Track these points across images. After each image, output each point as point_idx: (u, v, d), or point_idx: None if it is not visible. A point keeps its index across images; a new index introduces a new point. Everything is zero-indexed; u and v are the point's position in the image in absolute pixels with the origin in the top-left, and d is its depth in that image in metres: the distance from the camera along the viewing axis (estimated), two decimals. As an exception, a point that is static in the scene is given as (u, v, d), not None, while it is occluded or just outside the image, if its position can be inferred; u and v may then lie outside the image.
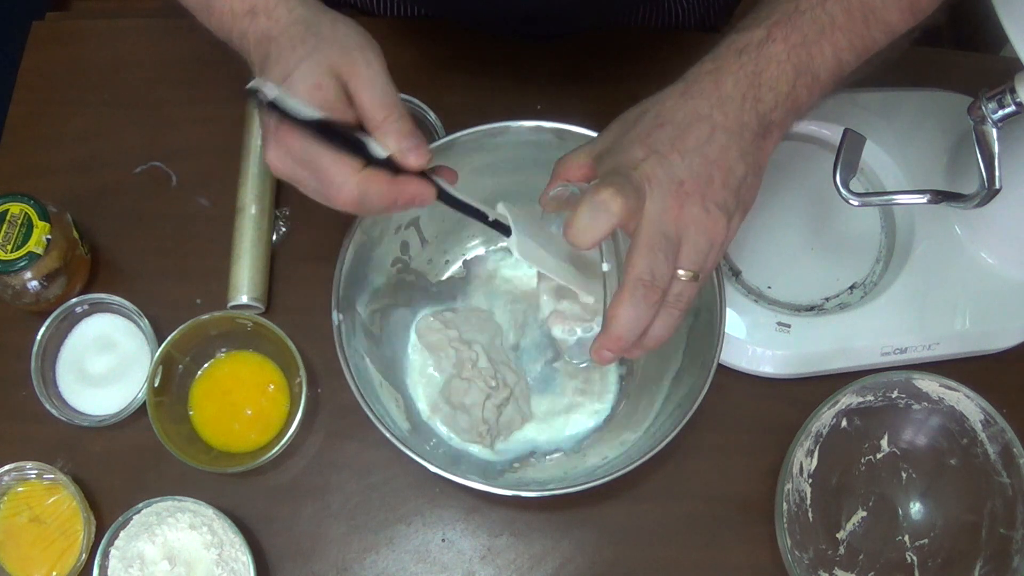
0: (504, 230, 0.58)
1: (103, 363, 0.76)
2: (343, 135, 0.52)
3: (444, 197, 0.57)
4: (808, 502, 0.73)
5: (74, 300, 0.75)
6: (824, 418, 0.72)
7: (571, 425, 0.74)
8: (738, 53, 0.55)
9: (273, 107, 0.50)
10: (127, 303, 0.75)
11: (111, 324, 0.77)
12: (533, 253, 0.59)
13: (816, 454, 0.73)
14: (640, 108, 0.57)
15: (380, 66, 0.55)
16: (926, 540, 0.73)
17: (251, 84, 0.50)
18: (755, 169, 0.56)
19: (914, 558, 0.73)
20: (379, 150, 0.53)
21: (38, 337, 0.74)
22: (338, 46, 0.54)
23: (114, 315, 0.77)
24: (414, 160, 0.54)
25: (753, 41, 0.55)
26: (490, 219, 0.58)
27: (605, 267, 0.57)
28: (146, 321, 0.75)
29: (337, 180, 0.52)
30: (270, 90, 0.50)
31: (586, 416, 0.74)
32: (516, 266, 0.77)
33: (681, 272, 0.54)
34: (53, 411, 0.72)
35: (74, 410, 0.75)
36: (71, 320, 0.76)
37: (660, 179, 0.53)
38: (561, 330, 0.62)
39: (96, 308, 0.76)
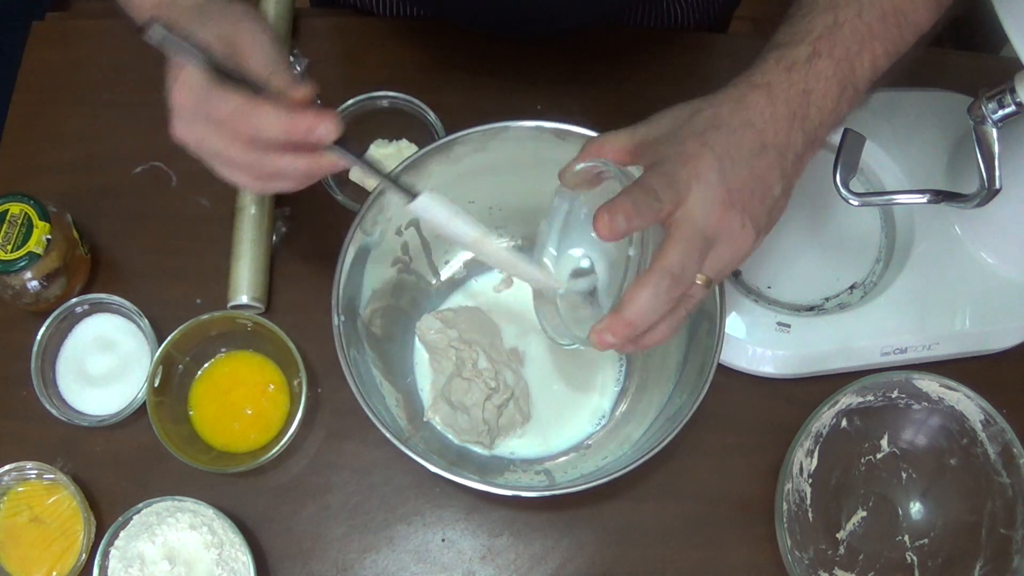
0: (408, 193, 0.57)
1: (103, 363, 0.76)
2: (238, 79, 0.53)
3: (342, 143, 0.55)
4: (808, 502, 0.73)
5: (74, 300, 0.75)
6: (824, 418, 0.72)
7: (571, 425, 0.74)
8: (787, 70, 0.55)
9: (178, 44, 0.51)
10: (127, 303, 0.75)
11: (111, 324, 0.77)
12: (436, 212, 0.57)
13: (816, 454, 0.73)
14: (693, 106, 0.56)
15: (269, 36, 0.57)
16: (926, 540, 0.73)
17: (152, 26, 0.51)
18: (787, 190, 0.56)
19: (914, 558, 0.73)
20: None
21: (38, 337, 0.74)
22: (229, 20, 0.56)
23: (114, 315, 0.77)
24: (301, 92, 0.55)
25: (800, 58, 0.55)
26: (392, 175, 0.57)
27: (631, 252, 0.56)
28: (146, 321, 0.75)
29: (244, 108, 0.53)
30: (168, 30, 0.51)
31: (586, 416, 0.74)
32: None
33: (698, 276, 0.53)
34: (53, 411, 0.72)
35: (74, 410, 0.75)
36: (71, 320, 0.76)
37: (711, 180, 0.52)
38: (546, 309, 0.60)
39: (96, 308, 0.76)
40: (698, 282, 0.53)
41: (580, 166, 0.57)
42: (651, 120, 0.57)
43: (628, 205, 0.51)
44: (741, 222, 0.53)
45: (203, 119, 0.55)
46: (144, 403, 0.71)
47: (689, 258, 0.52)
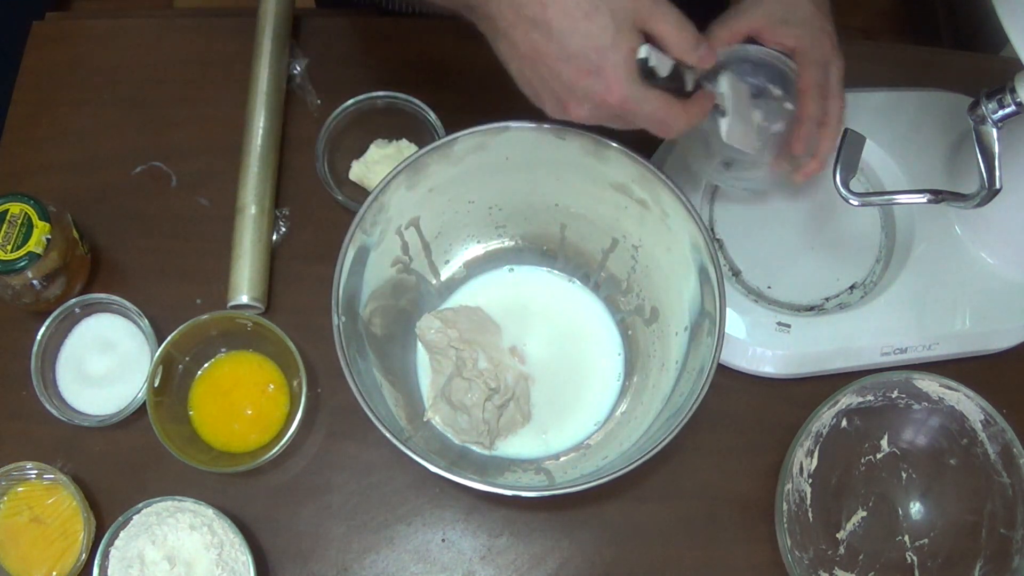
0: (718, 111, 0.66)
1: (103, 363, 0.76)
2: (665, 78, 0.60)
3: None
4: (808, 502, 0.73)
5: (74, 300, 0.75)
6: (824, 418, 0.72)
7: (571, 426, 0.74)
8: None
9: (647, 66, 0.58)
10: (127, 303, 0.75)
11: (111, 324, 0.77)
12: (741, 137, 0.67)
13: (816, 454, 0.73)
14: None
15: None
16: (926, 540, 0.73)
17: (640, 54, 0.58)
18: None
19: (914, 558, 0.73)
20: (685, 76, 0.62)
21: (38, 337, 0.74)
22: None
23: (114, 315, 0.77)
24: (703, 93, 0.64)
25: None
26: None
27: (789, 106, 0.69)
28: (146, 321, 0.75)
29: (669, 119, 0.60)
30: (651, 53, 0.58)
31: (586, 416, 0.74)
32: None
33: None
34: (53, 411, 0.72)
35: (74, 410, 0.75)
36: (71, 320, 0.76)
37: (835, 41, 0.68)
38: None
39: (96, 308, 0.76)
40: None
41: (724, 51, 0.67)
42: (753, 4, 0.68)
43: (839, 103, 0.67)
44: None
45: (622, 114, 0.59)
46: (144, 403, 0.71)
47: (842, 104, 0.68)
